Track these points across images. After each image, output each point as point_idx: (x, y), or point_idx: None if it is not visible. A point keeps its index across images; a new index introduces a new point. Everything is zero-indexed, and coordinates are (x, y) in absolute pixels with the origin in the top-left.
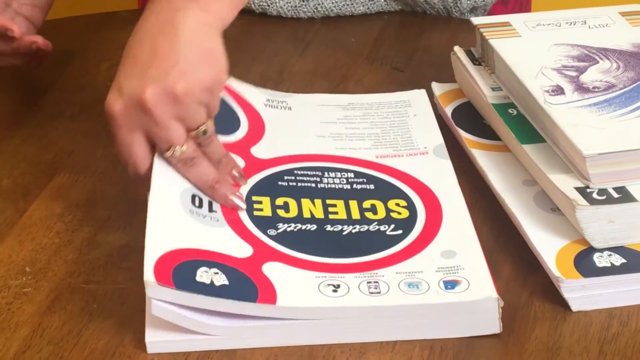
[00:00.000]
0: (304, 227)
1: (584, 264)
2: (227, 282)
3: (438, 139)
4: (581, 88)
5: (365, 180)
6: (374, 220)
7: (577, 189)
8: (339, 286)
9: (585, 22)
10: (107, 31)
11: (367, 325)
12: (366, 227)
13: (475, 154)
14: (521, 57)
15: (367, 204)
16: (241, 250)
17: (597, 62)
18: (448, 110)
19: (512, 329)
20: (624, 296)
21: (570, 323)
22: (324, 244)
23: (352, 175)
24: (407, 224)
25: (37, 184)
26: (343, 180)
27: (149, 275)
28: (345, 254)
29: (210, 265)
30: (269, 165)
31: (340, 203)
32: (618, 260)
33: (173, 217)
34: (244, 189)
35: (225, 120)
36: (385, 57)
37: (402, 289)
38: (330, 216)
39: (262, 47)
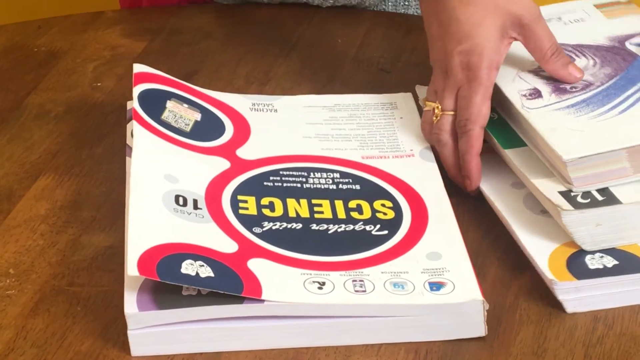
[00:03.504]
0: (289, 225)
1: (576, 266)
2: (212, 274)
3: (424, 142)
4: (559, 89)
5: (351, 180)
6: (359, 220)
7: (561, 193)
8: (324, 283)
9: (560, 19)
10: (93, 31)
11: (352, 326)
12: (352, 227)
13: None
14: None
15: (352, 203)
16: (226, 245)
17: (574, 60)
18: None
19: (498, 332)
20: (617, 297)
21: (555, 326)
22: (309, 242)
23: (337, 175)
24: (392, 225)
25: (22, 185)
26: (329, 181)
27: (132, 269)
28: (331, 252)
29: (195, 258)
30: (254, 165)
31: (325, 203)
32: (610, 261)
33: (156, 215)
34: (229, 189)
35: (209, 128)
36: (371, 59)
37: (388, 288)
38: (316, 215)
39: (249, 48)
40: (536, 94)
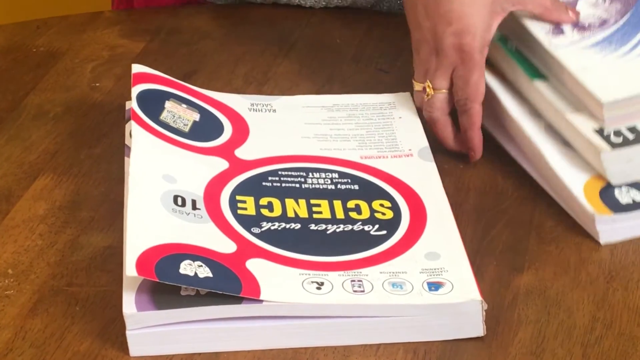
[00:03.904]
0: (287, 226)
1: (609, 199)
2: (211, 275)
3: (423, 141)
4: (577, 25)
5: (349, 180)
6: (358, 220)
7: (596, 131)
8: (322, 284)
9: None
10: (92, 31)
11: (351, 326)
12: (350, 227)
13: None
14: None
15: (351, 204)
16: (225, 245)
17: None
18: None
19: (496, 332)
20: None
21: (554, 326)
22: (308, 242)
23: (336, 175)
24: (391, 225)
25: (20, 185)
26: (327, 181)
27: (130, 269)
28: (329, 252)
29: (194, 258)
30: (253, 166)
31: (324, 203)
32: (637, 195)
33: (154, 215)
34: (227, 190)
35: (208, 128)
36: (370, 58)
37: (386, 288)
38: (315, 215)
39: (247, 48)
40: (558, 30)
